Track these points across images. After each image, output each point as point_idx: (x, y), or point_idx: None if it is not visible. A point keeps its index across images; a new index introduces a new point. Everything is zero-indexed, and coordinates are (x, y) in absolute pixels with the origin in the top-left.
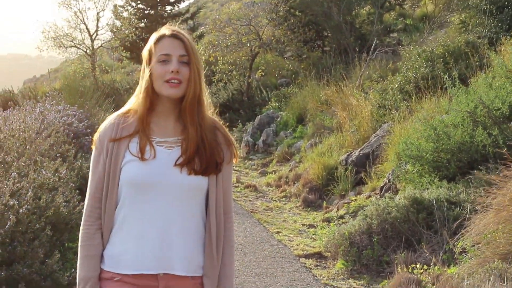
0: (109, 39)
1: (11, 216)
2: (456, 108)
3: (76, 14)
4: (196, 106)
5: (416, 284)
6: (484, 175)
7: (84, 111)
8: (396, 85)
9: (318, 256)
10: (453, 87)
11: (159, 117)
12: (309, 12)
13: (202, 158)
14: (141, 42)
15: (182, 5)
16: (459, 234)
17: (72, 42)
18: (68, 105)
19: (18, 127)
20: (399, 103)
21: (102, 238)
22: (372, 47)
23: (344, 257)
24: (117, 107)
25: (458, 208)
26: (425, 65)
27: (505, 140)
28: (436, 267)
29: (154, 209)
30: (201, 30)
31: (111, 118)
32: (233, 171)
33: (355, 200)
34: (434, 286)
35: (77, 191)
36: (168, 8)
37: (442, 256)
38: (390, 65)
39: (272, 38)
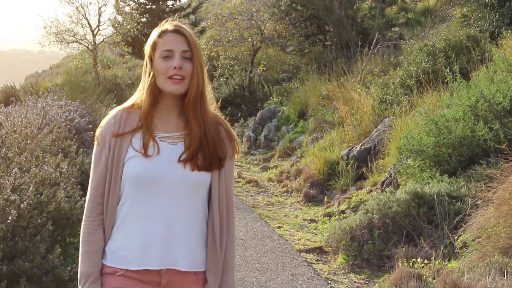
0: (111, 34)
1: (12, 211)
2: (457, 102)
3: (78, 9)
4: (199, 101)
5: (416, 278)
6: (485, 169)
7: (85, 107)
8: (398, 80)
9: (319, 250)
10: (454, 81)
11: (162, 113)
12: (311, 7)
13: (206, 153)
14: (143, 37)
15: (184, 0)
16: (460, 228)
17: (74, 37)
18: (70, 101)
19: (20, 123)
20: (401, 97)
21: (104, 233)
22: (374, 41)
23: (345, 251)
24: (119, 103)
25: (459, 203)
26: (426, 59)
27: (506, 134)
28: (436, 261)
29: (157, 205)
30: (203, 25)
31: (113, 113)
32: (235, 166)
33: (356, 195)
34: (435, 280)
35: (79, 186)
36: (170, 2)
37: (442, 250)
38: (392, 59)
39: (274, 32)
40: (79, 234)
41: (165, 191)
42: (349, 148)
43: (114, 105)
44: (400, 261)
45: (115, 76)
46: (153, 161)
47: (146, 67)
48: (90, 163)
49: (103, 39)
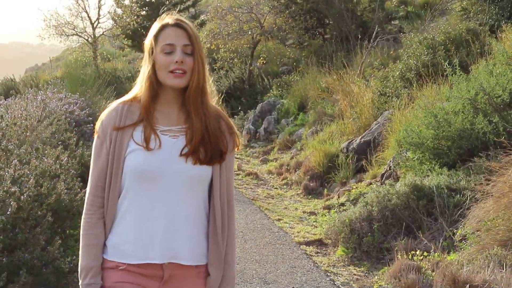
0: (110, 27)
1: (12, 202)
2: (457, 95)
3: (77, 2)
4: (199, 95)
5: (415, 270)
6: (484, 162)
7: (85, 99)
8: (397, 73)
9: (319, 243)
10: (454, 75)
11: (163, 106)
12: (311, 0)
13: (207, 147)
14: (142, 30)
15: None
16: (459, 221)
17: (74, 30)
18: (70, 93)
19: (19, 115)
20: (400, 90)
21: (104, 227)
22: (374, 34)
23: (345, 244)
24: (119, 95)
25: (459, 195)
26: (426, 53)
27: (505, 127)
28: (436, 254)
29: (158, 199)
30: (203, 18)
31: (113, 106)
32: (235, 159)
33: (356, 187)
34: (434, 273)
35: (79, 178)
36: None
37: (442, 243)
38: (391, 52)
39: (274, 25)
40: (79, 226)
41: (166, 184)
42: (349, 140)
43: (114, 98)
44: (399, 254)
45: (114, 69)
46: (155, 155)
47: (147, 61)
48: (90, 155)
49: (103, 32)
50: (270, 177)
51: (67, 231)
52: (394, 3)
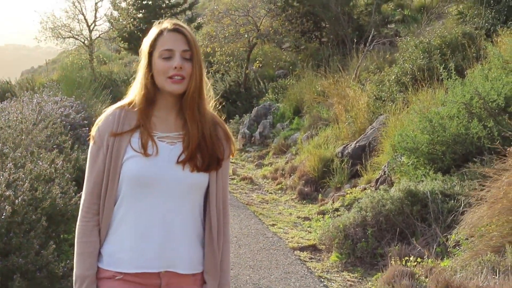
0: (107, 29)
1: (7, 206)
2: (452, 99)
3: (74, 4)
4: (196, 101)
5: (409, 276)
6: (478, 167)
7: (81, 103)
8: (393, 77)
9: (313, 248)
10: (449, 79)
11: (160, 111)
12: (307, 3)
13: (204, 154)
14: (139, 33)
15: None
16: (453, 227)
17: (70, 32)
18: (66, 96)
19: (15, 118)
20: (396, 94)
21: (99, 235)
22: (370, 38)
23: (339, 249)
24: (114, 99)
25: (453, 201)
26: (422, 57)
27: (500, 132)
28: (429, 259)
29: (155, 206)
30: (199, 21)
31: (110, 111)
32: (230, 163)
33: (351, 192)
34: (427, 279)
35: (74, 182)
36: None
37: (435, 249)
38: (387, 56)
39: (270, 29)
40: (74, 231)
41: (163, 192)
42: (344, 145)
43: (110, 101)
44: (393, 260)
45: (111, 72)
46: (153, 162)
47: (144, 66)
48: (85, 159)
49: (99, 34)
50: (265, 182)
51: (62, 236)
52: (391, 7)
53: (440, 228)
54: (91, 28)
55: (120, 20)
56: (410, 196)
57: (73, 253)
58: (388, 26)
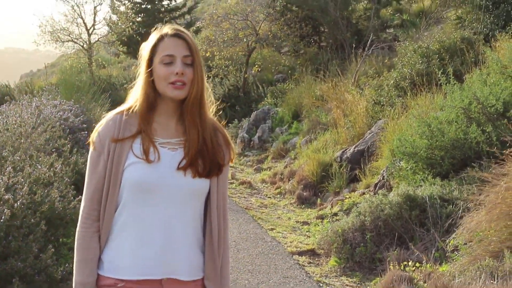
0: (106, 33)
1: (6, 210)
2: (451, 104)
3: (73, 8)
4: (197, 107)
5: (407, 281)
6: (477, 172)
7: (80, 106)
8: (392, 81)
9: (311, 253)
10: (448, 84)
11: (161, 117)
12: (306, 7)
13: (206, 160)
14: (138, 37)
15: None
16: (451, 231)
17: (69, 36)
18: (64, 100)
19: (14, 122)
20: (394, 99)
21: (99, 241)
22: (368, 42)
23: (337, 254)
24: (113, 102)
25: (451, 206)
26: (420, 61)
27: (498, 137)
28: (428, 264)
29: (156, 212)
30: (198, 25)
31: (110, 116)
32: (229, 169)
33: (349, 197)
34: (426, 284)
35: (72, 186)
36: (165, 2)
37: (434, 253)
38: (386, 61)
39: (269, 33)
40: (72, 235)
41: (164, 198)
42: (343, 150)
43: (109, 105)
44: (391, 264)
45: (110, 75)
46: (154, 168)
47: (144, 71)
48: (84, 163)
49: (98, 38)
50: (263, 186)
51: (60, 239)
52: (390, 11)
53: (439, 233)
54: (90, 31)
55: (119, 24)
56: (408, 201)
57: (72, 257)
58: (387, 30)
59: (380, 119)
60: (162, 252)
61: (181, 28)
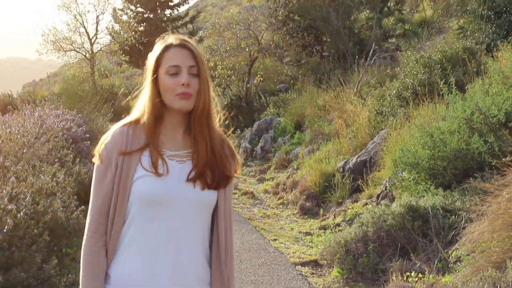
0: (108, 42)
1: (9, 220)
2: (453, 114)
3: (75, 17)
4: (205, 118)
5: None
6: (479, 183)
7: (83, 116)
8: (394, 91)
9: (314, 264)
10: (450, 94)
11: (167, 129)
12: (308, 17)
13: (214, 171)
14: (140, 46)
15: (182, 9)
16: (454, 242)
17: (72, 45)
18: (67, 110)
19: (16, 131)
20: (397, 109)
21: (106, 255)
22: (371, 52)
23: (340, 265)
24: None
25: (454, 216)
26: (423, 71)
27: (500, 147)
28: (430, 275)
29: (165, 226)
30: (200, 34)
31: (117, 129)
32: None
33: (352, 207)
34: None
35: (75, 196)
36: (168, 12)
37: (437, 264)
38: (388, 70)
39: (271, 43)
40: (75, 245)
41: (173, 211)
42: (345, 160)
43: (111, 114)
44: (394, 275)
45: (112, 85)
46: (164, 181)
47: (149, 83)
48: (86, 173)
49: (101, 47)
50: (266, 197)
51: (63, 250)
52: (392, 21)
53: (441, 244)
54: (92, 41)
55: (122, 33)
56: (411, 211)
57: (75, 267)
58: (389, 40)
59: (382, 129)
60: (172, 266)
61: (186, 38)
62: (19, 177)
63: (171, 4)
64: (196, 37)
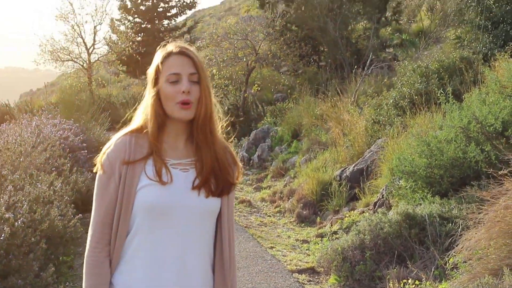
0: (106, 53)
1: (6, 228)
2: (450, 123)
3: (73, 28)
4: (208, 125)
5: None
6: (476, 191)
7: (80, 125)
8: (391, 101)
9: (311, 271)
10: (446, 103)
11: (170, 137)
12: (306, 27)
13: (218, 178)
14: (138, 56)
15: (179, 19)
16: (451, 250)
17: (69, 55)
18: (64, 119)
19: (14, 141)
20: (394, 118)
21: (110, 265)
22: (368, 62)
23: (337, 272)
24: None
25: (451, 224)
26: (420, 81)
27: (497, 156)
28: (427, 282)
29: (170, 235)
30: (198, 44)
31: (119, 138)
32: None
33: (349, 215)
34: None
35: (72, 205)
36: (165, 22)
37: (433, 271)
38: (385, 80)
39: (269, 52)
40: (72, 253)
41: (178, 219)
42: (342, 168)
43: (109, 124)
44: (391, 282)
45: (109, 95)
46: (168, 190)
47: (150, 90)
48: (83, 181)
49: (98, 57)
50: (263, 205)
51: (60, 258)
52: (389, 31)
53: (438, 251)
54: (90, 51)
55: (119, 43)
56: (408, 219)
57: (72, 275)
58: (386, 50)
59: (379, 138)
60: (178, 275)
61: (187, 46)
62: (16, 186)
63: (168, 14)
64: (193, 47)
